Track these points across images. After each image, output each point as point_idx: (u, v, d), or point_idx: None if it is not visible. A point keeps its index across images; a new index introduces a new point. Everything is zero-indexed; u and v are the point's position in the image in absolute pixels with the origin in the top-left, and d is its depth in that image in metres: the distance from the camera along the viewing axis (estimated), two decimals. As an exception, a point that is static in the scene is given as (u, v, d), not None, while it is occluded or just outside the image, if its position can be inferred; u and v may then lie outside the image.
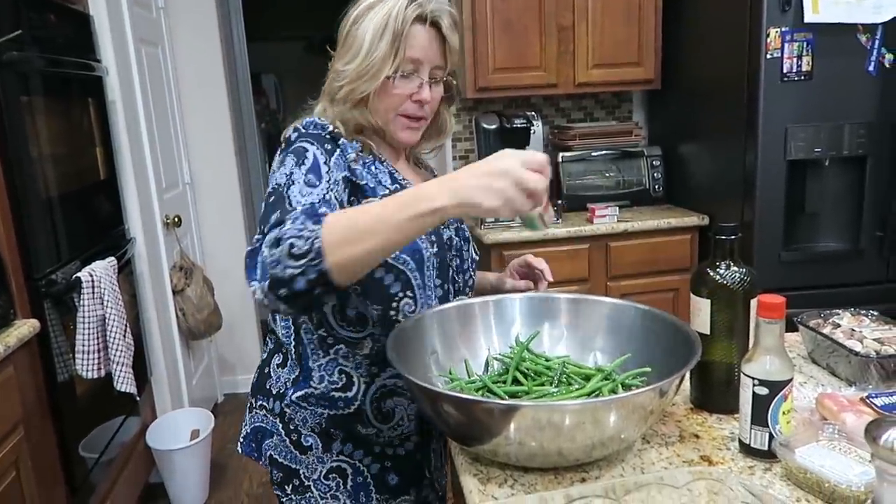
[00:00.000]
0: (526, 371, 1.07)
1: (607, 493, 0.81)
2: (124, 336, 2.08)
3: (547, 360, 1.09)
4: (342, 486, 1.18)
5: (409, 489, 1.23)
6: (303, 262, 0.85)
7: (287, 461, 1.19)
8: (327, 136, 1.08)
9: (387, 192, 1.10)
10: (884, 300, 2.36)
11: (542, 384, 1.04)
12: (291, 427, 1.18)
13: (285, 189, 0.98)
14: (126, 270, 2.38)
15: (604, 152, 3.03)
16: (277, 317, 1.22)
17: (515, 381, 1.05)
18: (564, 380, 1.04)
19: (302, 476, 1.18)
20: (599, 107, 3.35)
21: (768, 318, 0.90)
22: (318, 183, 1.00)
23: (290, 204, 0.95)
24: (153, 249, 2.67)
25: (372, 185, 1.09)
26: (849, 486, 0.78)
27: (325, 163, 1.04)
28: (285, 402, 1.18)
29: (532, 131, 2.93)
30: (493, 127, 2.90)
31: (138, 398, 2.29)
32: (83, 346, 1.93)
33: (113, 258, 2.15)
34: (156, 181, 2.72)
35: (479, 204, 0.84)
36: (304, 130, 1.08)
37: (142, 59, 2.67)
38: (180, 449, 2.45)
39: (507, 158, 0.85)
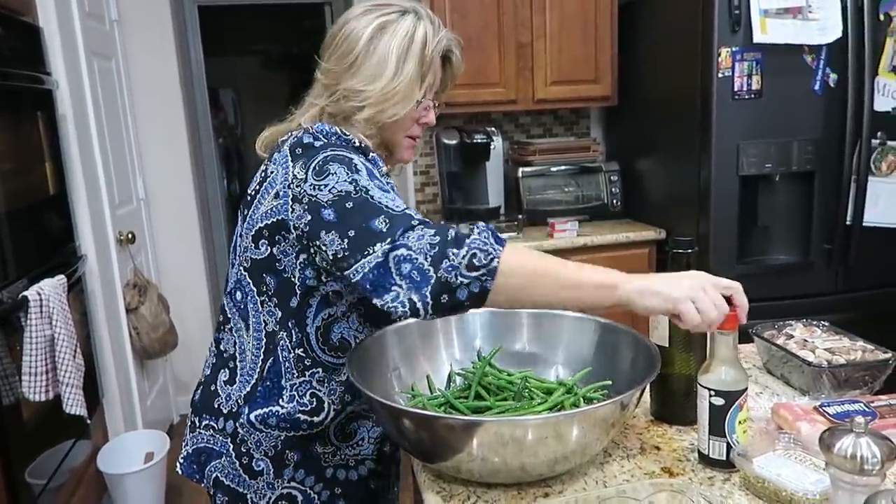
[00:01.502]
0: (488, 386, 1.07)
1: (570, 507, 0.81)
2: (74, 357, 2.01)
3: (509, 375, 1.09)
4: None
5: None
6: (475, 274, 0.86)
7: (234, 484, 1.14)
8: (356, 147, 1.05)
9: None
10: (833, 310, 2.43)
11: (505, 399, 1.04)
12: (243, 449, 1.13)
13: (363, 196, 0.93)
14: (77, 288, 2.31)
15: (563, 167, 3.06)
16: (223, 332, 1.17)
17: (478, 397, 1.05)
18: (527, 394, 1.05)
19: (249, 501, 1.13)
20: (558, 123, 3.40)
21: (721, 330, 0.91)
22: (389, 190, 0.97)
23: (392, 210, 0.92)
24: (105, 267, 2.59)
25: None
26: (805, 493, 0.80)
27: (378, 172, 1.02)
28: (239, 421, 1.12)
29: (492, 147, 2.95)
30: (454, 142, 2.92)
31: (89, 420, 2.21)
32: (30, 367, 1.86)
33: (63, 276, 2.08)
34: (108, 197, 2.65)
35: (659, 291, 0.88)
36: (325, 139, 1.03)
37: (94, 72, 2.61)
38: (134, 472, 2.37)
39: (700, 274, 0.91)
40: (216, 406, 1.15)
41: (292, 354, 1.09)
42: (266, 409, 1.10)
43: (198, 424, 1.18)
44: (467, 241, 0.87)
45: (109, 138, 2.73)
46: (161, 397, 3.19)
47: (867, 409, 1.00)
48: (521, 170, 3.02)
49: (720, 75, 2.37)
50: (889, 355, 1.13)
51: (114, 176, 2.75)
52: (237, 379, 1.13)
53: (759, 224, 2.54)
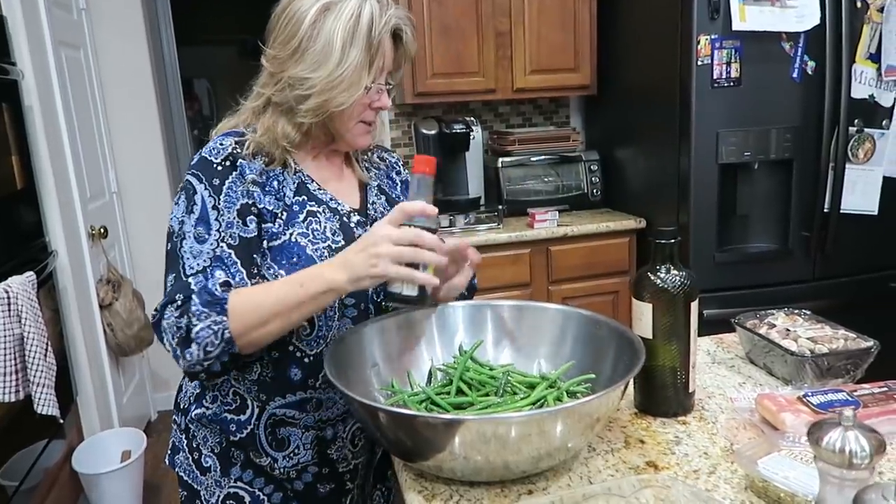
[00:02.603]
0: (470, 381, 1.05)
1: (555, 505, 0.79)
2: (45, 355, 1.96)
3: (491, 370, 1.07)
4: None
5: None
6: (216, 352, 0.94)
7: (190, 480, 1.14)
8: (221, 165, 1.02)
9: (281, 208, 1.04)
10: (811, 297, 2.45)
11: (487, 394, 1.02)
12: (194, 445, 1.13)
13: (178, 244, 1.00)
14: (48, 285, 2.25)
15: (542, 157, 3.04)
16: None
17: (460, 392, 1.03)
18: (509, 389, 1.02)
19: (203, 498, 1.13)
20: (538, 112, 3.38)
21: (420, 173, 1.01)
22: (207, 236, 0.99)
23: (184, 271, 0.98)
24: (77, 262, 2.53)
25: (270, 208, 1.04)
26: (815, 498, 0.78)
27: (213, 206, 1.00)
28: (189, 417, 1.13)
29: (472, 137, 2.92)
30: (433, 132, 2.88)
31: (62, 420, 2.16)
32: (-1, 367, 1.81)
33: (32, 273, 2.02)
34: (79, 191, 2.58)
35: (364, 275, 0.93)
36: (202, 156, 1.03)
37: (61, 62, 2.53)
38: (110, 472, 2.33)
39: (379, 227, 0.94)
40: (178, 401, 1.18)
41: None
42: (200, 411, 1.11)
43: (174, 418, 1.20)
44: (192, 334, 0.93)
45: (79, 130, 2.66)
46: (138, 394, 3.14)
47: (851, 399, 0.99)
48: (500, 160, 3.00)
49: (699, 63, 2.36)
50: (871, 343, 1.13)
51: (84, 169, 2.68)
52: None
53: (739, 212, 2.55)
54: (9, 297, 1.84)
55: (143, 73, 3.15)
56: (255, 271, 1.02)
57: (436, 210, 0.97)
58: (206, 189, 1.01)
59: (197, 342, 0.93)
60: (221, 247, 0.99)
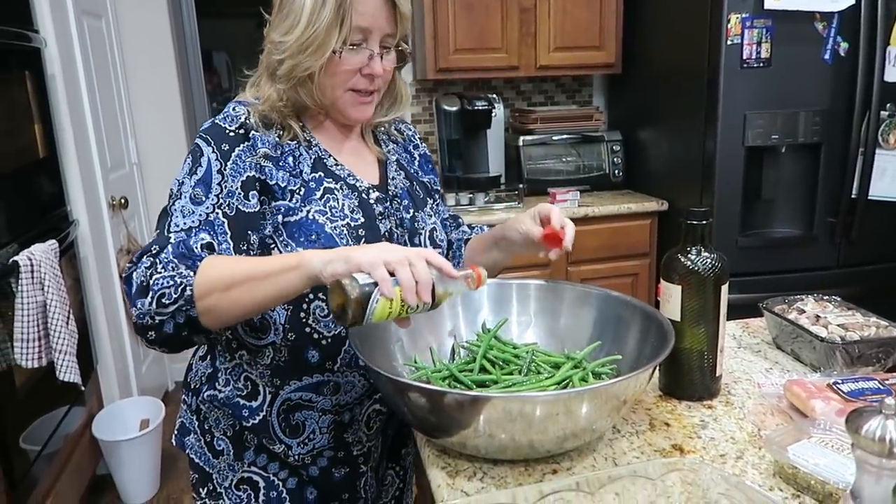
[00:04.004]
0: (493, 359, 1.04)
1: (581, 486, 0.78)
2: (67, 323, 1.97)
3: (515, 348, 1.06)
4: (253, 499, 1.10)
5: None
6: (171, 308, 0.86)
7: (202, 462, 1.12)
8: (234, 132, 0.99)
9: (298, 184, 1.01)
10: (835, 284, 2.41)
11: (511, 373, 1.01)
12: (206, 427, 1.11)
13: (172, 202, 0.96)
14: (69, 254, 2.26)
15: (564, 136, 3.01)
16: None
17: (483, 370, 1.02)
18: (533, 368, 1.02)
19: (215, 481, 1.11)
20: (560, 91, 3.33)
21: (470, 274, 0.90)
22: (204, 199, 0.95)
23: (169, 227, 0.93)
24: (98, 232, 2.54)
25: (283, 185, 1.00)
26: (847, 486, 0.77)
27: (219, 171, 0.96)
28: (200, 398, 1.10)
29: (493, 114, 2.89)
30: (454, 109, 2.85)
31: (83, 387, 2.18)
32: (22, 333, 1.83)
33: (54, 241, 2.03)
34: (100, 161, 2.58)
35: (348, 257, 0.82)
36: (214, 122, 1.01)
37: (84, 30, 2.52)
38: (129, 440, 2.36)
39: (410, 249, 0.85)
40: (188, 380, 1.14)
41: (223, 336, 1.06)
42: (211, 392, 1.08)
43: (183, 398, 1.17)
44: (151, 281, 0.87)
45: (101, 100, 2.66)
46: (156, 364, 3.17)
47: (882, 387, 0.97)
48: (521, 138, 2.97)
49: (729, 42, 2.31)
50: (903, 332, 1.10)
51: (105, 139, 2.68)
52: (208, 356, 1.11)
53: (763, 196, 2.51)
54: (32, 265, 1.85)
55: (163, 43, 3.13)
56: (245, 247, 0.96)
57: (454, 284, 0.89)
58: (213, 153, 0.98)
59: (153, 290, 0.86)
60: (216, 213, 0.95)
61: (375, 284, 0.81)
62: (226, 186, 0.96)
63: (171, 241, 0.91)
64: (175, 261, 0.89)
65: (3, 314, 1.82)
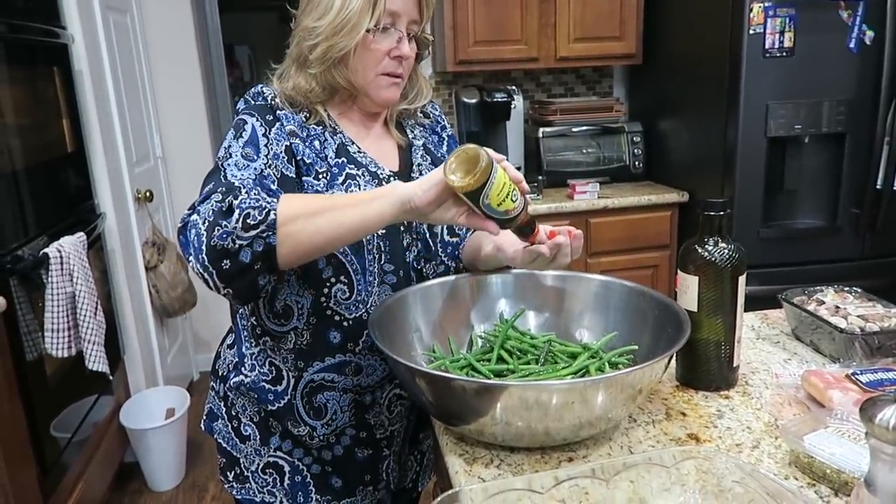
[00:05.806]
0: (511, 349, 1.05)
1: (596, 473, 0.79)
2: (95, 314, 2.02)
3: (532, 339, 1.08)
4: (279, 483, 1.14)
5: (356, 491, 1.17)
6: (253, 233, 0.84)
7: (229, 447, 1.16)
8: (269, 107, 1.04)
9: (324, 168, 1.04)
10: (859, 276, 2.39)
11: (528, 363, 1.02)
12: (233, 413, 1.15)
13: (222, 162, 0.97)
14: (96, 246, 2.31)
15: (584, 128, 3.00)
16: None
17: (500, 360, 1.03)
18: (550, 358, 1.03)
19: (242, 465, 1.15)
20: (580, 82, 3.32)
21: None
22: (255, 157, 0.97)
23: (226, 177, 0.93)
24: (124, 225, 2.59)
25: (308, 161, 1.03)
26: (863, 475, 0.77)
27: (264, 134, 1.00)
28: (227, 385, 1.14)
29: (513, 106, 2.89)
30: (474, 101, 2.86)
31: (111, 377, 2.24)
32: (53, 324, 1.87)
33: (82, 233, 2.08)
34: (126, 154, 2.63)
35: (414, 194, 0.87)
36: (249, 101, 1.05)
37: (109, 26, 2.57)
38: (155, 428, 2.41)
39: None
40: (216, 367, 1.19)
41: (248, 323, 1.10)
42: (238, 379, 1.12)
43: (211, 385, 1.21)
44: (235, 202, 0.85)
45: (126, 95, 2.70)
46: (181, 354, 3.23)
47: (901, 378, 0.97)
48: (541, 130, 2.96)
49: (751, 31, 2.29)
50: (924, 323, 1.10)
51: (131, 133, 2.73)
52: (236, 345, 1.14)
53: (786, 188, 2.49)
54: (61, 257, 1.90)
55: (186, 38, 3.18)
56: None
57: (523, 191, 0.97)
58: (257, 121, 1.01)
59: (240, 208, 0.84)
60: (268, 171, 0.97)
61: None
62: (272, 149, 1.00)
63: (240, 184, 0.91)
64: (257, 188, 0.90)
65: (34, 305, 1.87)
